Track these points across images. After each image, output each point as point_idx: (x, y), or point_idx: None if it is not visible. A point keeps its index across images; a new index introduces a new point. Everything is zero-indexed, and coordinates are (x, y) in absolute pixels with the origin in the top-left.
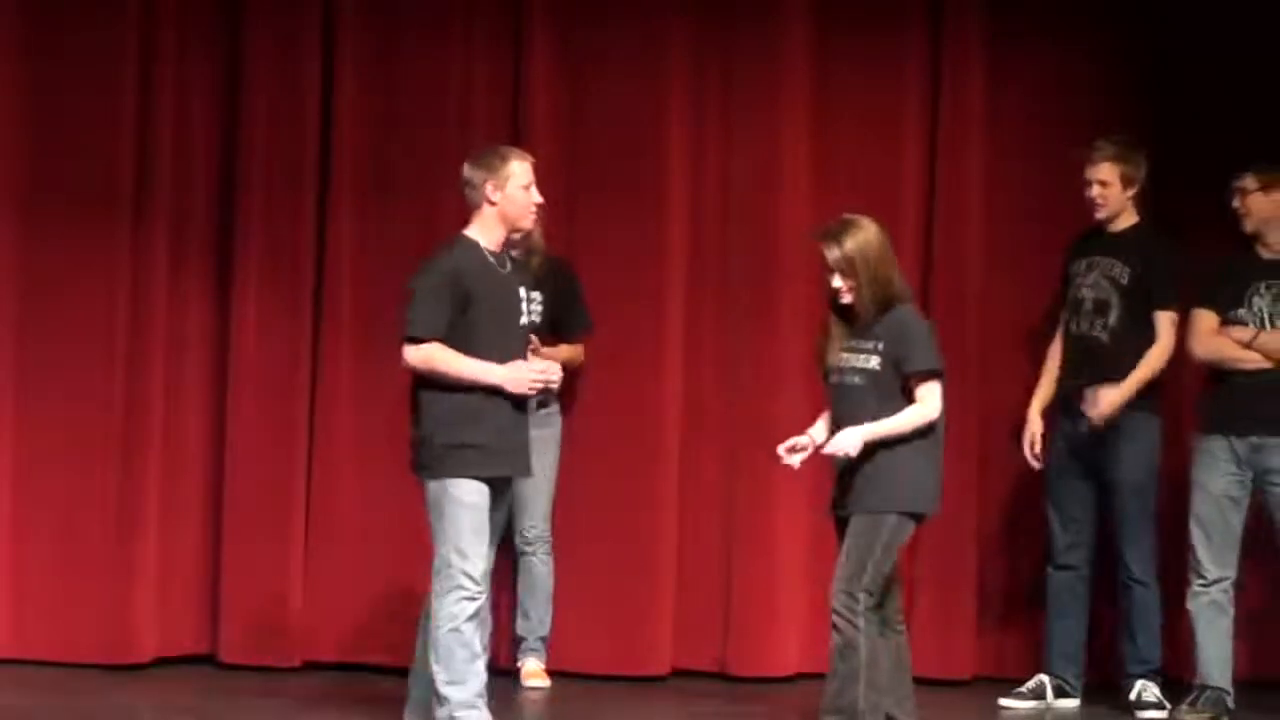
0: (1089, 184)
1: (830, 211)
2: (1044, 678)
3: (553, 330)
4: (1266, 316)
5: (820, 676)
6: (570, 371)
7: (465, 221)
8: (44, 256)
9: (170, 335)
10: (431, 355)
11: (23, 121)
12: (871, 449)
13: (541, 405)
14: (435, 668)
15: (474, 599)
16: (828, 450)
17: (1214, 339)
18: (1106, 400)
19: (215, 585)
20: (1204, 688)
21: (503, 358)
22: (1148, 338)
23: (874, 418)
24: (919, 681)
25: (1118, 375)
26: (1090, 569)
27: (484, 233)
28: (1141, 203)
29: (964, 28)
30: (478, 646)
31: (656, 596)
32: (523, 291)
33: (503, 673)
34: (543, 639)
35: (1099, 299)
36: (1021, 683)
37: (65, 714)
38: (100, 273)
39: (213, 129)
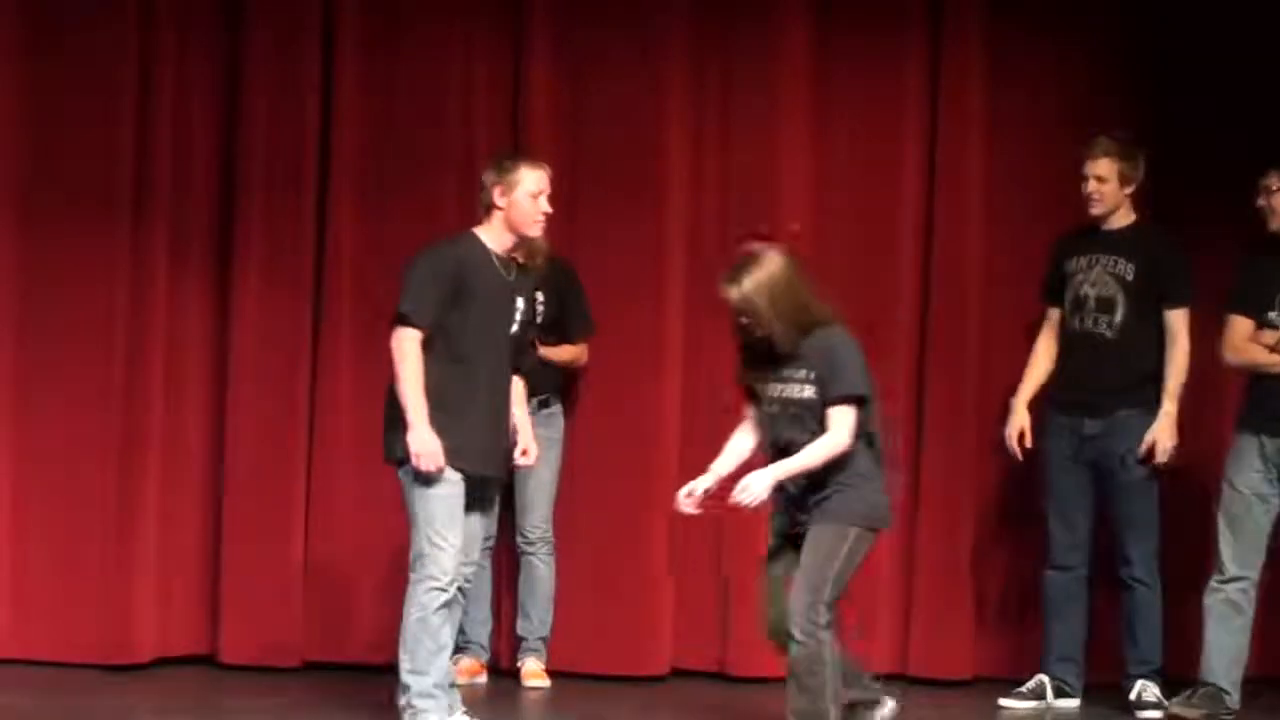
0: (1086, 179)
1: (830, 211)
2: (1044, 678)
3: (555, 331)
4: None
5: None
6: (572, 372)
7: (465, 222)
8: (44, 256)
9: (170, 335)
10: (403, 356)
11: (23, 121)
12: (822, 474)
13: (543, 405)
14: (401, 654)
15: (444, 590)
16: (735, 499)
17: (1246, 346)
18: (1166, 436)
19: (215, 585)
20: (1202, 684)
21: (485, 362)
22: (1154, 334)
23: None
24: (919, 681)
25: (1124, 372)
26: (1089, 569)
27: (491, 235)
28: (1139, 202)
29: (964, 28)
30: (445, 638)
31: (656, 596)
32: (519, 302)
33: (503, 673)
34: (543, 639)
35: (1103, 296)
36: (1021, 683)
37: (65, 714)
38: (100, 272)
39: (213, 129)
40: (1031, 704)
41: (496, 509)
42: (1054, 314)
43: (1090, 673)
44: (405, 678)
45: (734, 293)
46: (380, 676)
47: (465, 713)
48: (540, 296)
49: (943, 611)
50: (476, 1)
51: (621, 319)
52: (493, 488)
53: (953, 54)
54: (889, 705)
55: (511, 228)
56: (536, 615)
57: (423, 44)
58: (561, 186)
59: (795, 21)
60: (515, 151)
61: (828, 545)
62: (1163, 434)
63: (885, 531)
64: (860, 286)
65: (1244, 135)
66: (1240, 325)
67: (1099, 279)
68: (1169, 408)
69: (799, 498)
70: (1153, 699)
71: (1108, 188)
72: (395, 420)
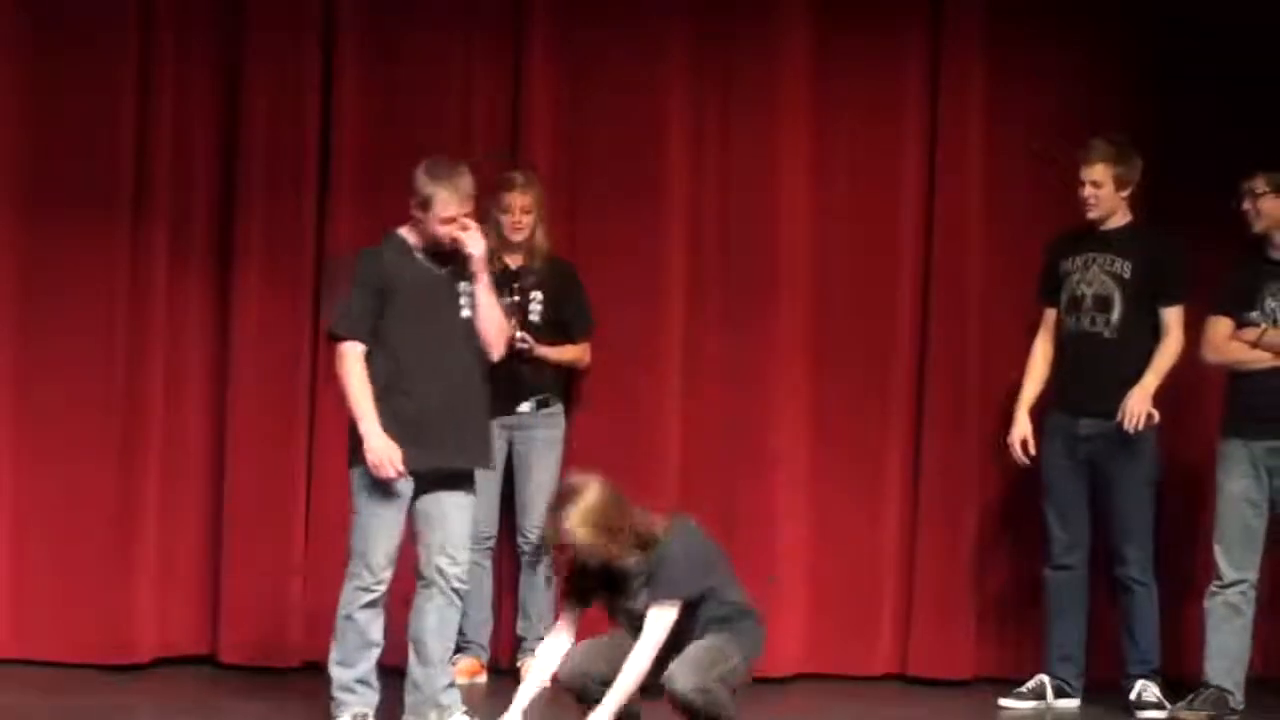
0: (1082, 184)
1: (830, 211)
2: (1044, 678)
3: (555, 331)
4: (1279, 317)
5: (820, 677)
6: (573, 372)
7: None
8: (44, 256)
9: (170, 335)
10: (344, 371)
11: (23, 121)
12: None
13: (543, 405)
14: (331, 646)
15: (369, 590)
16: None
17: (1226, 344)
18: (1136, 402)
19: (215, 585)
20: (1205, 686)
21: (429, 357)
22: (1152, 333)
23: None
24: (919, 681)
25: (1122, 371)
26: (1088, 569)
27: (414, 234)
28: (1136, 203)
29: (964, 28)
30: (373, 635)
31: None
32: (464, 286)
33: (503, 673)
34: (543, 639)
35: (1100, 295)
36: (1021, 683)
37: (65, 714)
38: (100, 272)
39: (213, 129)
40: (1031, 704)
41: (495, 502)
42: (1050, 315)
43: (1090, 673)
44: (330, 669)
45: (560, 531)
46: (380, 677)
47: (465, 713)
48: (540, 296)
49: (943, 611)
50: (476, 1)
51: (621, 319)
52: (460, 482)
53: (953, 54)
54: None
55: (427, 239)
56: (537, 615)
57: (423, 44)
58: (562, 187)
59: (795, 21)
60: (444, 164)
61: (723, 653)
62: (1133, 399)
63: (885, 532)
64: (860, 286)
65: (1244, 135)
66: (1221, 325)
67: (1095, 278)
68: (1147, 379)
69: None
70: (1153, 699)
71: (1104, 192)
72: (354, 426)
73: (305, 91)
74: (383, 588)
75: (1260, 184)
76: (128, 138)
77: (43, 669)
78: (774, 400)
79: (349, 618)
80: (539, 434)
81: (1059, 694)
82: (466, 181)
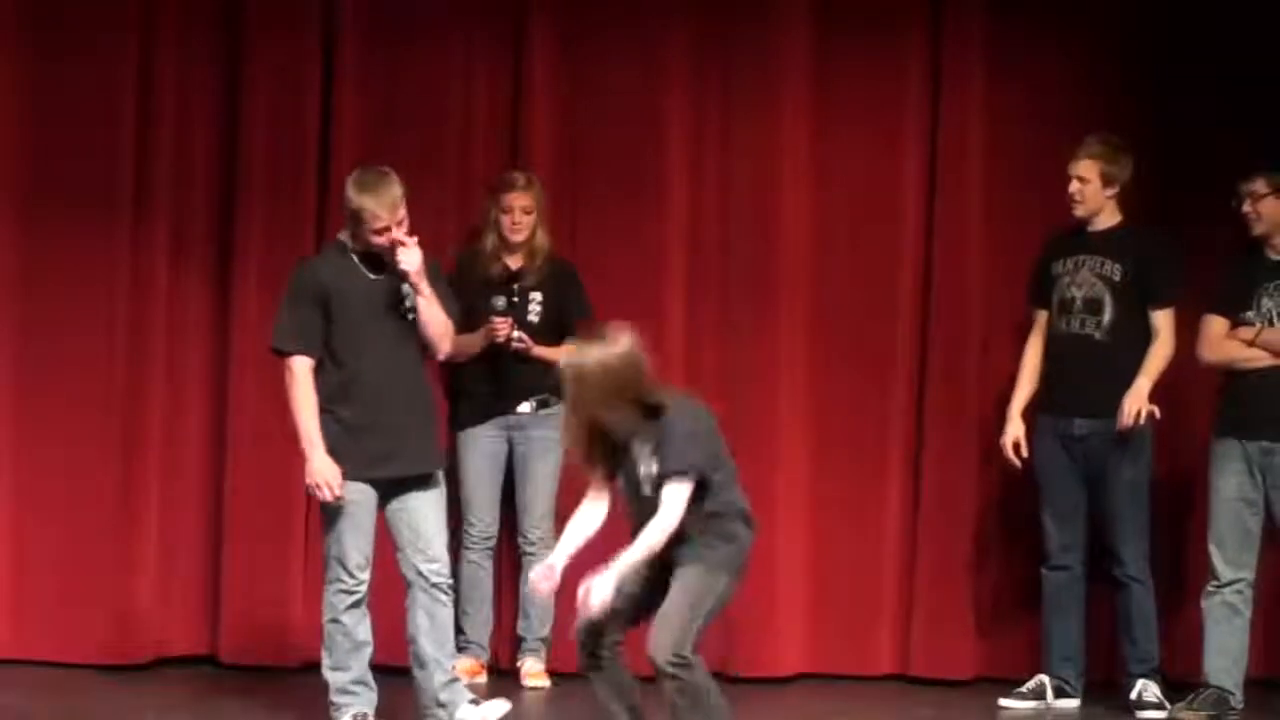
0: (1070, 180)
1: (830, 211)
2: (1044, 678)
3: (555, 331)
4: (1275, 317)
5: (821, 677)
6: None
7: (464, 221)
8: (44, 256)
9: (170, 334)
10: (290, 388)
11: (23, 121)
12: (701, 531)
13: (543, 405)
14: (323, 652)
15: (351, 592)
16: (580, 608)
17: (1222, 343)
18: (1132, 403)
19: (215, 585)
20: (1205, 686)
21: (377, 361)
22: (1143, 335)
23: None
24: (919, 681)
25: (1114, 373)
26: (1085, 568)
27: (353, 238)
28: (1126, 204)
29: (964, 28)
30: (361, 635)
31: None
32: (405, 289)
33: (503, 673)
34: (543, 639)
35: (1090, 297)
36: (1021, 683)
37: (65, 714)
38: (100, 272)
39: (213, 129)
40: (1031, 704)
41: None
42: (1041, 317)
43: (1090, 673)
44: (325, 674)
45: (572, 372)
46: (380, 677)
47: (472, 701)
48: (539, 297)
49: (943, 611)
50: (476, 2)
51: (622, 319)
52: (427, 480)
53: (953, 54)
54: None
55: (364, 243)
56: (536, 615)
57: (423, 44)
58: (562, 186)
59: (795, 21)
60: (370, 174)
61: (701, 588)
62: (1128, 401)
63: (885, 532)
64: (860, 286)
65: (1244, 135)
66: (1217, 324)
67: (1085, 280)
68: (1140, 382)
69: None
70: (1153, 699)
71: (1089, 188)
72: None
73: (305, 91)
74: (363, 588)
75: (1261, 186)
76: (128, 138)
77: (43, 669)
78: (774, 400)
79: (335, 621)
80: (539, 434)
81: (1059, 694)
82: (395, 191)
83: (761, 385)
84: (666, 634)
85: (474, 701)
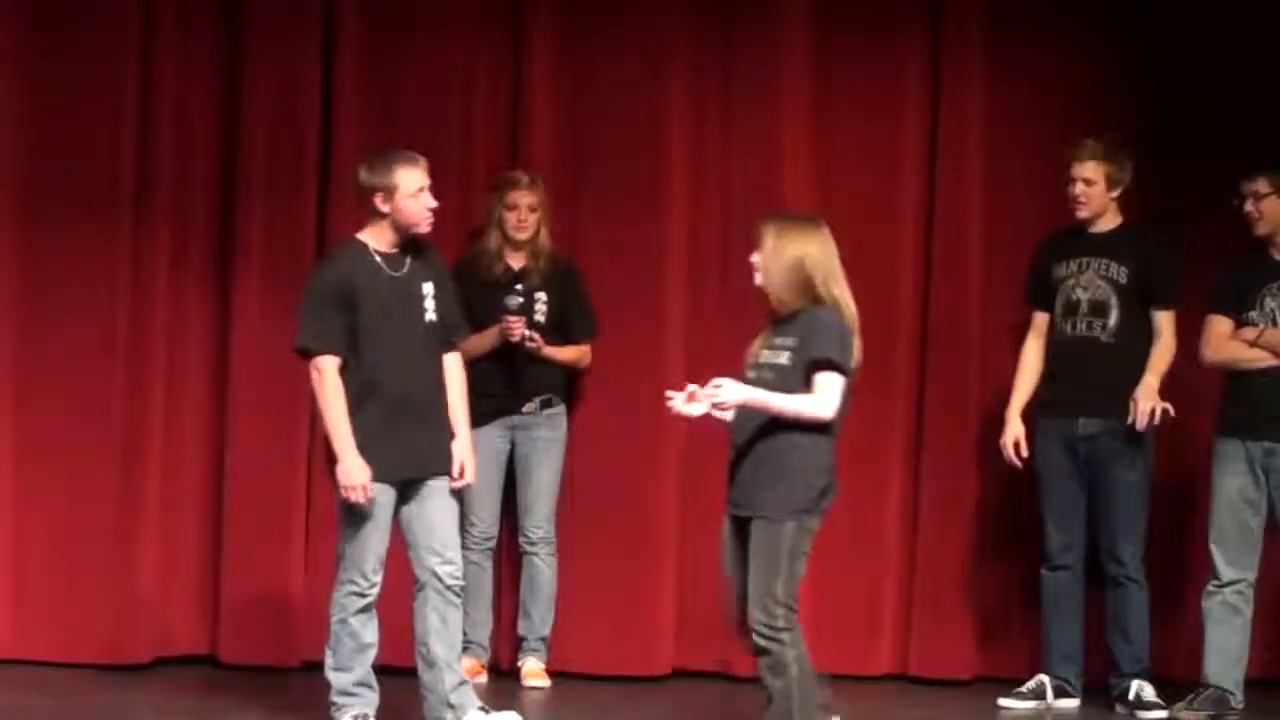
0: (1073, 181)
1: (830, 211)
2: (1044, 678)
3: (558, 332)
4: (1278, 318)
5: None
6: (575, 372)
7: (464, 222)
8: (44, 256)
9: (171, 335)
10: (320, 387)
11: (24, 121)
12: (761, 448)
13: (546, 405)
14: (326, 652)
15: (363, 594)
16: (705, 393)
17: (1225, 343)
18: (1145, 399)
19: (215, 585)
20: (1205, 686)
21: (398, 361)
22: (1147, 335)
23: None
24: (919, 681)
25: (1119, 374)
26: (1084, 568)
27: (376, 236)
28: (1126, 205)
29: (964, 28)
30: (367, 638)
31: (657, 596)
32: (427, 289)
33: (503, 673)
34: (544, 639)
35: (1095, 300)
36: (1021, 683)
37: (65, 714)
38: (100, 272)
39: (213, 129)
40: (1031, 704)
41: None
42: (1040, 318)
43: (1089, 673)
44: (328, 674)
45: (768, 227)
46: (382, 678)
47: (480, 709)
48: (544, 296)
49: (943, 611)
50: (476, 1)
51: (623, 319)
52: (442, 485)
53: (953, 54)
54: None
55: (400, 229)
56: (537, 615)
57: (423, 44)
58: (562, 186)
59: (796, 22)
60: (386, 152)
61: (768, 545)
62: (1140, 397)
63: (885, 532)
64: (860, 286)
65: (1244, 135)
66: (1220, 324)
67: (1091, 283)
68: (1149, 379)
69: (736, 461)
70: (1153, 699)
71: (1095, 190)
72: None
73: (305, 91)
74: (375, 591)
75: (1263, 185)
76: (128, 138)
77: (43, 669)
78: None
79: (344, 622)
80: (542, 434)
81: (1059, 694)
82: (414, 154)
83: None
84: (751, 607)
85: (483, 709)
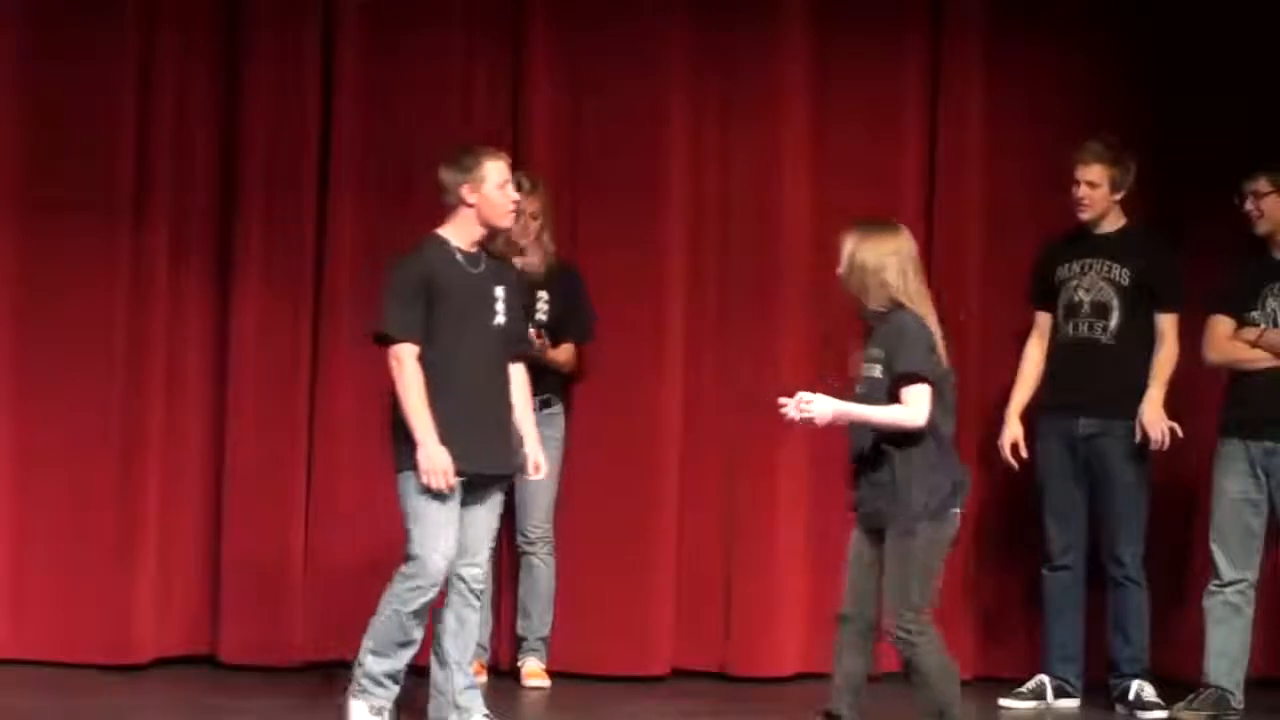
0: (1077, 184)
1: (830, 211)
2: (1044, 678)
3: (559, 333)
4: (1279, 318)
5: (820, 676)
6: (569, 373)
7: None
8: (44, 256)
9: (170, 335)
10: (401, 374)
11: (23, 121)
12: (874, 459)
13: (545, 405)
14: (369, 633)
15: (425, 591)
16: (795, 404)
17: (1226, 344)
18: (1154, 419)
19: (215, 585)
20: (1205, 686)
21: (471, 358)
22: (1148, 337)
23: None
24: None
25: (1121, 375)
26: (1084, 569)
27: (457, 232)
28: (1130, 204)
29: (964, 27)
30: (414, 634)
31: (657, 596)
32: (499, 291)
33: (503, 673)
34: (543, 639)
35: (1098, 301)
36: (1021, 683)
37: (65, 714)
38: (100, 272)
39: (213, 129)
40: (1031, 704)
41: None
42: (1043, 319)
43: (1089, 672)
44: (363, 655)
45: (850, 238)
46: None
47: (485, 715)
48: (546, 297)
49: (942, 611)
50: (476, 1)
51: (622, 319)
52: (495, 485)
53: (953, 54)
54: None
55: (484, 222)
56: (537, 614)
57: (423, 44)
58: (562, 186)
59: (795, 22)
60: (470, 146)
61: (899, 553)
62: (1148, 417)
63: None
64: None
65: (1244, 135)
66: (1222, 324)
67: (1094, 285)
68: (1154, 393)
69: (856, 471)
70: (1153, 699)
71: (1098, 193)
72: (401, 431)
73: (305, 91)
74: (435, 591)
75: (1263, 184)
76: (128, 138)
77: (43, 669)
78: (774, 400)
79: (398, 614)
80: (540, 433)
81: (1059, 694)
82: (496, 148)
83: (761, 384)
84: (887, 600)
85: (487, 717)
